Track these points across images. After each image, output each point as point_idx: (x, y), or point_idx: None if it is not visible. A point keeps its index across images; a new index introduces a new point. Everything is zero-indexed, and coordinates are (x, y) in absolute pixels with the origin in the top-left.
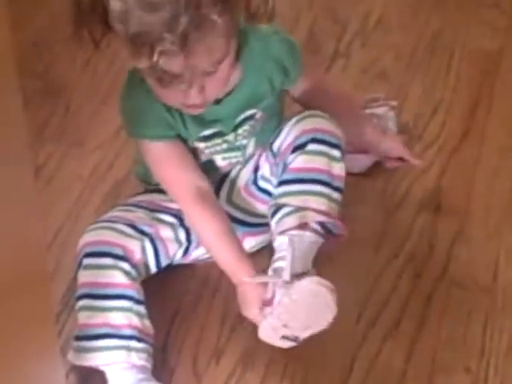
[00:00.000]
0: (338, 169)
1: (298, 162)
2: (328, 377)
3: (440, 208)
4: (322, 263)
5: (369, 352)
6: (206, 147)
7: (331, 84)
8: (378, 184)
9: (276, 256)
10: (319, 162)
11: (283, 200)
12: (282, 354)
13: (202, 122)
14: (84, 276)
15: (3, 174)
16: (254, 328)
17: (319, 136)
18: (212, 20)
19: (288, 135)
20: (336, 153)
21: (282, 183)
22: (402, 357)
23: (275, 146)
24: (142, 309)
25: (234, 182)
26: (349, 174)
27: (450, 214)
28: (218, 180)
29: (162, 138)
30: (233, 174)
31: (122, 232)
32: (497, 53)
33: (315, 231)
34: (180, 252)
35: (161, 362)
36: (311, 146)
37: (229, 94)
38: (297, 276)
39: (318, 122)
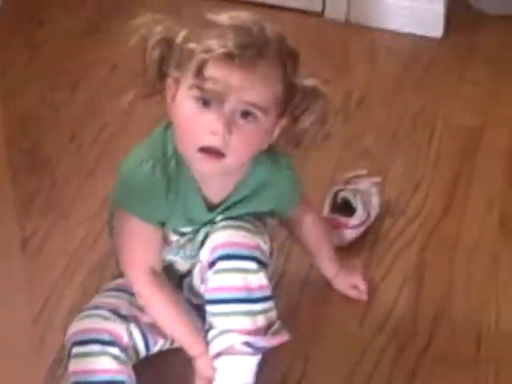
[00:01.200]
0: (256, 280)
1: (213, 281)
2: None
3: (423, 282)
4: (305, 337)
5: None
6: (177, 241)
7: (314, 223)
8: (361, 258)
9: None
10: (233, 280)
11: (210, 320)
12: None
13: (190, 218)
14: (74, 365)
15: None
16: None
17: (227, 251)
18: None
19: (207, 247)
20: (249, 264)
21: (206, 302)
22: None
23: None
24: None
25: (191, 280)
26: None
27: (432, 289)
28: (177, 280)
29: (150, 220)
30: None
31: (107, 318)
32: (477, 129)
33: (241, 353)
34: (169, 340)
35: None
36: (221, 264)
37: (223, 203)
38: None
39: (229, 235)
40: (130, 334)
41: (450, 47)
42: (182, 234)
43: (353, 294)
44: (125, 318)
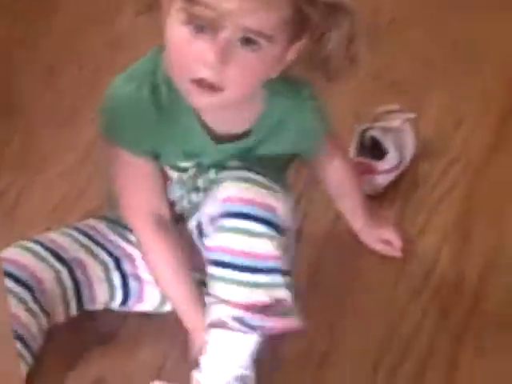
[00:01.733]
0: (265, 246)
1: (215, 239)
2: None
3: (468, 235)
4: (330, 303)
5: None
6: (179, 177)
7: (343, 166)
8: (394, 208)
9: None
10: (237, 242)
11: (209, 284)
12: None
13: (190, 150)
14: None
15: None
16: None
17: (237, 208)
18: None
19: (214, 198)
20: (260, 228)
21: (206, 261)
22: None
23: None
24: None
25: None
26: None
27: (479, 243)
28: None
29: (139, 150)
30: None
31: (38, 256)
32: None
33: (232, 329)
34: (117, 301)
35: None
36: (227, 222)
37: (236, 138)
38: None
39: (241, 189)
40: (59, 281)
41: None
42: (183, 170)
43: (385, 249)
44: (62, 261)
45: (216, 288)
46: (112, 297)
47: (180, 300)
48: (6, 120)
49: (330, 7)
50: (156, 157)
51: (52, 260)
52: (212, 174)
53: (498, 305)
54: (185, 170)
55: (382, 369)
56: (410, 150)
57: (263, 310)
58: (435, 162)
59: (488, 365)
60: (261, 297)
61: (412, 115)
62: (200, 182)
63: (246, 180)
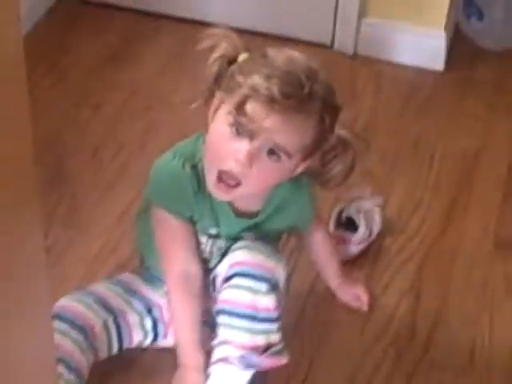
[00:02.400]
0: (265, 301)
1: (225, 294)
2: None
3: (420, 295)
4: (310, 342)
5: None
6: (206, 243)
7: (324, 238)
8: (363, 271)
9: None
10: (243, 296)
11: (217, 329)
12: None
13: (218, 220)
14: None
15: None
16: None
17: (244, 269)
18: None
19: (227, 262)
20: (262, 286)
21: (215, 312)
22: None
23: (216, 273)
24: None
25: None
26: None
27: (429, 302)
28: None
29: (180, 215)
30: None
31: (88, 306)
32: (474, 156)
33: (234, 364)
34: (148, 340)
35: None
36: (236, 280)
37: (250, 215)
38: None
39: (249, 255)
40: (105, 327)
41: (450, 80)
42: (210, 236)
43: (355, 304)
44: (109, 310)
45: (223, 332)
46: (145, 337)
47: (187, 343)
48: (58, 186)
49: (339, 140)
50: (193, 223)
51: (101, 309)
52: (223, 242)
53: (443, 353)
54: (211, 236)
55: None
56: (377, 226)
57: (260, 351)
58: (396, 237)
59: None
60: (261, 341)
61: (380, 199)
62: (214, 249)
63: (253, 248)
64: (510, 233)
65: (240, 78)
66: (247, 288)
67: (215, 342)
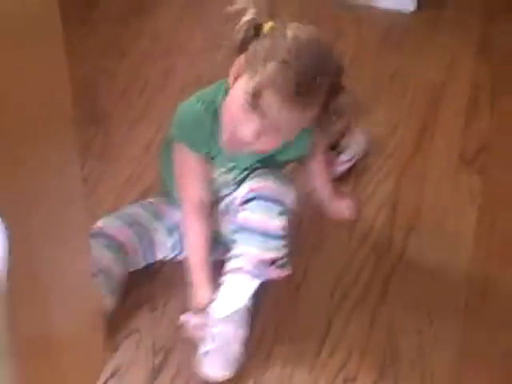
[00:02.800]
0: (278, 221)
1: (244, 213)
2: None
3: (397, 205)
4: (305, 250)
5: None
6: (221, 174)
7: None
8: (349, 187)
9: (219, 288)
10: (260, 216)
11: (232, 244)
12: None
13: (231, 155)
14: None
15: (57, 181)
16: None
17: (262, 193)
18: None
19: (246, 186)
20: (276, 208)
21: (233, 229)
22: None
23: (233, 197)
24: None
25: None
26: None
27: (404, 211)
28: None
29: (198, 151)
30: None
31: (122, 225)
32: (441, 84)
33: (248, 273)
34: (171, 256)
35: None
36: (254, 202)
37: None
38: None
39: (267, 181)
40: (140, 240)
41: (421, 19)
42: (227, 169)
43: (345, 214)
44: (139, 228)
45: (239, 247)
46: (169, 253)
47: (197, 263)
48: (92, 125)
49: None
50: (210, 158)
51: (135, 226)
52: (238, 173)
53: (416, 256)
54: (228, 168)
55: (336, 294)
56: (360, 148)
57: (269, 263)
58: (376, 157)
59: (408, 292)
60: (271, 255)
61: (363, 128)
62: (229, 178)
63: (270, 175)
64: (471, 151)
65: (260, 62)
66: (264, 210)
67: (229, 255)
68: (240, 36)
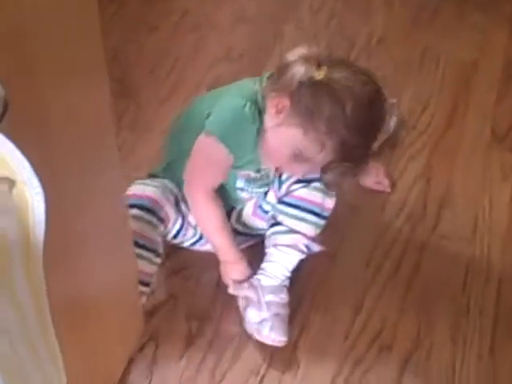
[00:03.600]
0: (330, 202)
1: (301, 192)
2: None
3: (430, 180)
4: (341, 221)
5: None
6: (254, 176)
7: None
8: (383, 161)
9: (266, 259)
10: (315, 195)
11: (280, 217)
12: None
13: (258, 160)
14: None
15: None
16: None
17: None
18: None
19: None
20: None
21: (282, 202)
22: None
23: (284, 177)
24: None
25: (242, 210)
26: None
27: (437, 185)
28: (228, 208)
29: (233, 152)
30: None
31: (158, 188)
32: (473, 63)
33: (300, 250)
34: (192, 240)
35: None
36: (314, 184)
37: None
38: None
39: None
40: (174, 206)
41: None
42: (259, 171)
43: (378, 187)
44: (171, 194)
45: (292, 223)
46: (191, 238)
47: (225, 242)
48: (124, 98)
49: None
50: (249, 161)
51: (166, 192)
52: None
53: (450, 227)
54: (259, 171)
55: (371, 265)
56: (393, 123)
57: (314, 239)
58: (409, 132)
59: (442, 263)
60: (317, 232)
61: (394, 100)
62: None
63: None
64: (503, 127)
65: (320, 134)
66: (319, 189)
67: (279, 228)
68: (293, 86)
